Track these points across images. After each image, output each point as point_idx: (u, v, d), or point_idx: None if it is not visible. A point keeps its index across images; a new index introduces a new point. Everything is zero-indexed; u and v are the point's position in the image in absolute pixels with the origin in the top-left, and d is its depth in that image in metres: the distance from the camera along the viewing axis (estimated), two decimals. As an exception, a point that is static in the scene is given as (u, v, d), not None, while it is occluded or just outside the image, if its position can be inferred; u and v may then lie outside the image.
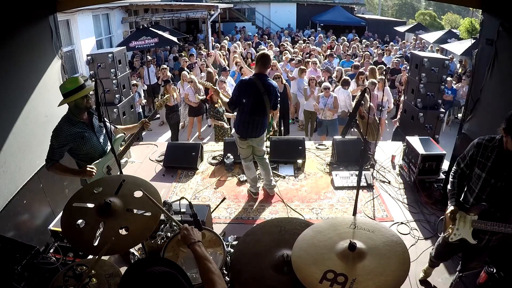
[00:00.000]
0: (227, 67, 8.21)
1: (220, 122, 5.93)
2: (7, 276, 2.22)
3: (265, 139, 4.18)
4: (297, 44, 12.24)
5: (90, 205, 2.06)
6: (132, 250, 2.85)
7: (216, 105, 5.90)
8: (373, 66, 7.55)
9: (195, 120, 7.53)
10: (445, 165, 4.32)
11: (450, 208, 2.38)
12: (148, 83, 8.58)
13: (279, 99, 3.91)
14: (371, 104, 5.60)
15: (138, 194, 2.12)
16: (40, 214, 3.38)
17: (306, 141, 5.25)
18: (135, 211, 2.05)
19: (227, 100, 3.94)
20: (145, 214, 2.02)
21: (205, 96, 6.83)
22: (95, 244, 1.85)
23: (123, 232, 1.94)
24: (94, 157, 2.91)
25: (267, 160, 4.22)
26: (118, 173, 2.56)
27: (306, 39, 13.97)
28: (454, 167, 2.52)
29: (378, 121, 5.76)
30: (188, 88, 7.03)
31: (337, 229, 1.94)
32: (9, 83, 3.03)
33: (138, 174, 4.56)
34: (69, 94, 2.66)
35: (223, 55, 9.98)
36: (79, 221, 1.97)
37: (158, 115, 8.61)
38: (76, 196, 2.15)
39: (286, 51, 9.97)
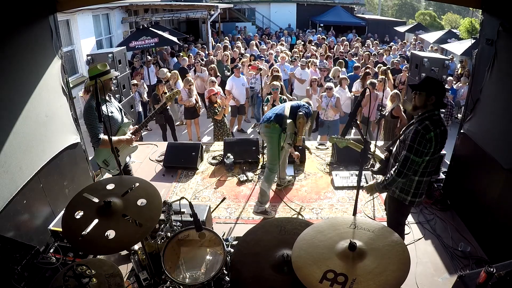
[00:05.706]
0: (238, 65, 8.04)
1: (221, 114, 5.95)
2: (7, 276, 2.22)
3: (281, 146, 3.78)
4: (297, 44, 12.22)
5: (95, 200, 2.11)
6: (136, 248, 2.87)
7: (215, 105, 5.90)
8: (387, 70, 7.49)
9: (192, 122, 7.41)
10: (445, 165, 4.32)
11: None
12: (148, 83, 8.57)
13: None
14: (400, 105, 5.39)
15: (140, 202, 2.14)
16: (40, 214, 3.38)
17: (306, 141, 5.24)
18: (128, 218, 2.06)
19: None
20: (136, 224, 2.02)
21: (198, 101, 6.85)
22: (83, 233, 1.88)
23: (110, 235, 1.94)
24: (113, 131, 3.26)
25: (270, 176, 3.90)
26: (118, 173, 2.58)
27: (311, 39, 13.88)
28: None
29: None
30: (182, 89, 6.92)
31: (337, 229, 1.94)
32: (9, 83, 3.03)
33: (138, 174, 4.57)
34: (102, 75, 3.07)
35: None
36: (78, 214, 2.02)
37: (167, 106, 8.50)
38: (89, 189, 2.25)
39: (284, 52, 9.90)
